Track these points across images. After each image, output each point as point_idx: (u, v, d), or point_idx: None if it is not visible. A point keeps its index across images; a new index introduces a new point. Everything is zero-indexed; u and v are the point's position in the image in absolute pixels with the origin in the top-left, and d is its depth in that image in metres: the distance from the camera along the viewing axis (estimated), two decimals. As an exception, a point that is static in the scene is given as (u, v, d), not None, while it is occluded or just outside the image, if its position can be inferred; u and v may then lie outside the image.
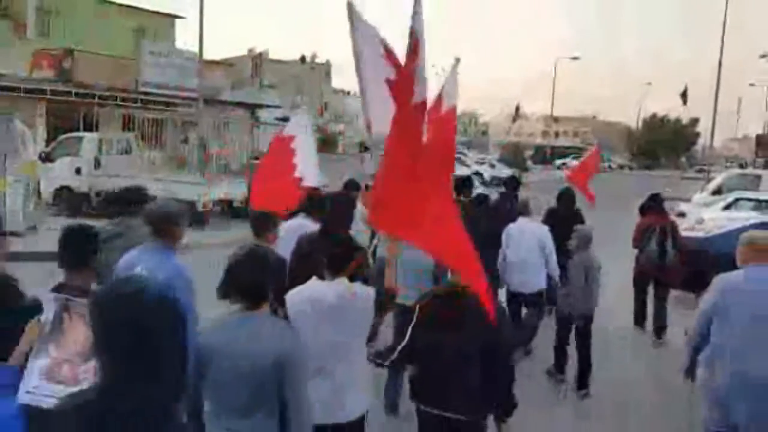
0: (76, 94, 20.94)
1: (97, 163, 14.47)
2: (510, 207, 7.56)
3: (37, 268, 10.21)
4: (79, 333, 2.30)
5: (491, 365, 3.27)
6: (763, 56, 41.67)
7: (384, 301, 3.11)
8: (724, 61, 28.36)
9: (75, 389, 2.09)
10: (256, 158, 20.03)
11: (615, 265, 8.24)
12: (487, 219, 6.64)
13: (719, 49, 28.43)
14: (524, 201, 7.01)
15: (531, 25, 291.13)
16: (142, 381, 1.47)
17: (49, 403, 2.14)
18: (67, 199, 14.65)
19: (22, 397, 2.27)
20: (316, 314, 2.98)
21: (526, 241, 6.42)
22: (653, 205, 8.00)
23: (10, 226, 11.02)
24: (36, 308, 2.43)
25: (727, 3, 27.88)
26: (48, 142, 18.26)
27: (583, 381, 5.79)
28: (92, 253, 2.77)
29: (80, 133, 15.88)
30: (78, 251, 2.75)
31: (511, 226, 6.63)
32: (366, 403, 3.20)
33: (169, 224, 3.40)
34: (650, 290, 7.91)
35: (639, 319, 7.99)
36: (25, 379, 2.28)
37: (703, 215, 14.34)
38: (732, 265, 3.97)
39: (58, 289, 2.64)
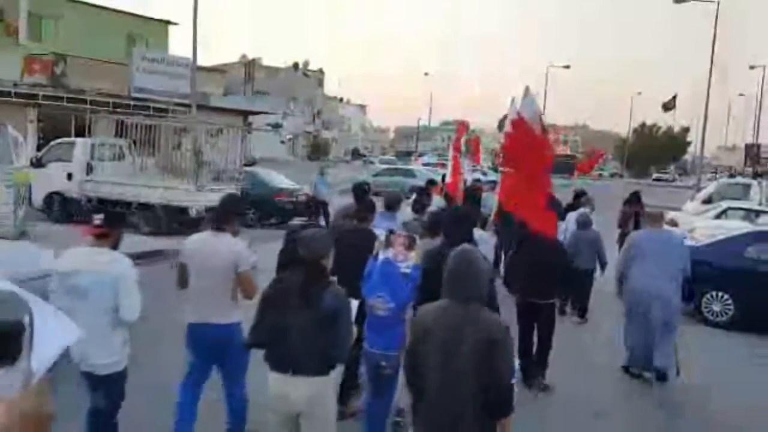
0: (68, 100, 20.83)
1: (89, 169, 14.36)
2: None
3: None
4: (401, 242, 4.37)
5: (561, 269, 6.28)
6: (752, 67, 42.19)
7: None
8: (714, 71, 28.61)
9: (405, 264, 4.31)
10: (249, 164, 20.02)
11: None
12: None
13: (710, 59, 28.67)
14: (587, 198, 10.43)
15: (522, 32, 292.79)
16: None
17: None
18: (58, 204, 14.54)
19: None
20: None
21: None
22: (633, 199, 11.42)
23: (0, 232, 10.93)
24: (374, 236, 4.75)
25: (717, 15, 28.18)
26: (39, 147, 18.13)
27: (582, 312, 8.80)
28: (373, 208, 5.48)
29: (72, 139, 15.74)
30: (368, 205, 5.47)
31: (572, 214, 9.52)
32: None
33: (394, 203, 6.16)
34: None
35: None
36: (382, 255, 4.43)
37: (694, 224, 14.43)
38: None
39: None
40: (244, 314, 4.09)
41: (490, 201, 9.32)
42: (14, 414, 1.25)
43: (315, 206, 5.72)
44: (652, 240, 6.49)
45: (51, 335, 1.37)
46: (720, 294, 8.98)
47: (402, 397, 4.28)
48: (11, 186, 10.96)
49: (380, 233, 4.71)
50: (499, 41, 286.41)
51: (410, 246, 4.42)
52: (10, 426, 1.23)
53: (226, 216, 4.26)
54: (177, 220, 13.34)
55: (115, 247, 3.72)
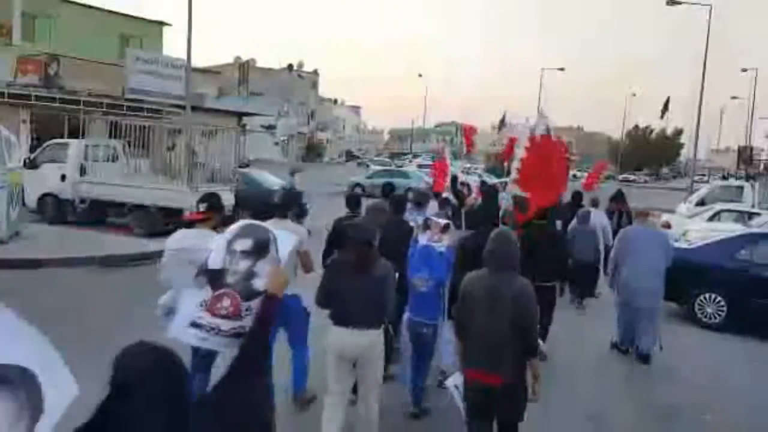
0: (62, 100, 20.73)
1: (83, 170, 14.30)
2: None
3: (22, 274, 10.03)
4: (437, 227, 5.33)
5: (558, 254, 7.00)
6: (744, 70, 42.44)
7: None
8: (707, 74, 28.75)
9: (440, 244, 5.20)
10: (243, 166, 19.93)
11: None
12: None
13: (703, 63, 28.78)
14: (596, 198, 11.65)
15: (518, 34, 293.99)
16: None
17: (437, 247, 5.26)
18: (52, 206, 14.47)
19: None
20: None
21: (599, 222, 10.26)
22: (617, 197, 12.43)
23: (-6, 234, 10.87)
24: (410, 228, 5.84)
25: (710, 19, 28.32)
26: (33, 148, 18.04)
27: (583, 296, 9.76)
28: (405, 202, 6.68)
29: (66, 140, 15.66)
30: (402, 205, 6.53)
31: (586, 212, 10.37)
32: None
33: (422, 199, 7.29)
34: None
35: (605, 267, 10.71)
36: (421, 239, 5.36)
37: (688, 227, 14.50)
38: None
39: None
40: (303, 287, 5.04)
41: (505, 199, 10.02)
42: (275, 278, 2.64)
43: (357, 202, 6.67)
44: (642, 236, 7.39)
45: (284, 244, 2.90)
46: (713, 296, 9.02)
47: (442, 360, 5.42)
48: (4, 187, 10.90)
49: (418, 221, 5.86)
50: (494, 43, 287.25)
51: (445, 230, 5.35)
52: (274, 283, 2.61)
53: (287, 207, 5.46)
54: (171, 222, 13.29)
55: (215, 228, 4.36)
